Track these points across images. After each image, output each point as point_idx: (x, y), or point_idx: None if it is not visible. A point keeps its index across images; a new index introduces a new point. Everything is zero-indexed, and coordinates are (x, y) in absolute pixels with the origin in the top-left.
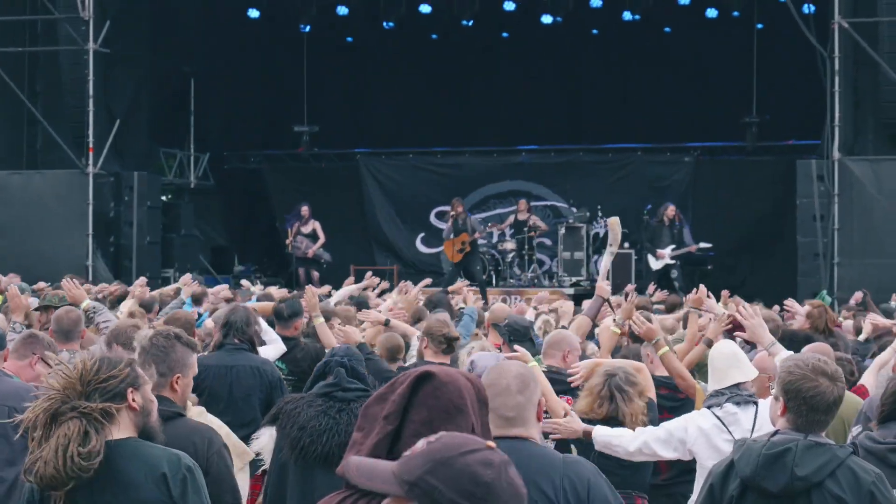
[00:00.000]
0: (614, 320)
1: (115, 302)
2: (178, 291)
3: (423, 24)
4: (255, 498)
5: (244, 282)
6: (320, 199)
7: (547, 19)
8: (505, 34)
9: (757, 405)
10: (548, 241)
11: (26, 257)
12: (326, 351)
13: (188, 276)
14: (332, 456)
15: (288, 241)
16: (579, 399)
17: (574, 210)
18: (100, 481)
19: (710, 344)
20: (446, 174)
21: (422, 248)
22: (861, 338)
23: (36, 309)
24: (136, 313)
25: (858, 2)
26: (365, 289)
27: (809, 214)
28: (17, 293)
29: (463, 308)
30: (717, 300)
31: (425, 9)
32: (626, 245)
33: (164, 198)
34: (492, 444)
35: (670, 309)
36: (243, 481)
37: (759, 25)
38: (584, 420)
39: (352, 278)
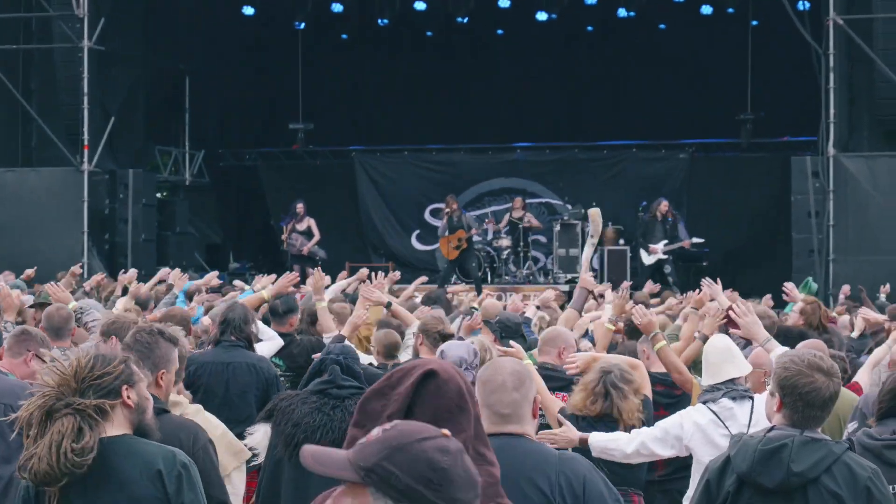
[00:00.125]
0: (609, 319)
1: (100, 292)
2: (169, 287)
3: (418, 22)
4: (250, 495)
5: (237, 282)
6: (315, 197)
7: (542, 16)
8: (500, 31)
9: (753, 400)
10: (543, 239)
11: (21, 255)
12: (324, 338)
13: (177, 270)
14: None
15: (283, 238)
16: (573, 394)
17: (569, 207)
18: (94, 478)
19: (705, 339)
20: (441, 171)
21: (417, 246)
22: (854, 334)
23: (31, 306)
24: (133, 311)
25: None
26: (361, 282)
27: (804, 211)
28: (8, 293)
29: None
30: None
31: (420, 6)
32: (622, 242)
33: (159, 195)
34: (447, 431)
35: (663, 301)
36: (240, 480)
37: (754, 22)
38: (577, 416)
39: (345, 272)
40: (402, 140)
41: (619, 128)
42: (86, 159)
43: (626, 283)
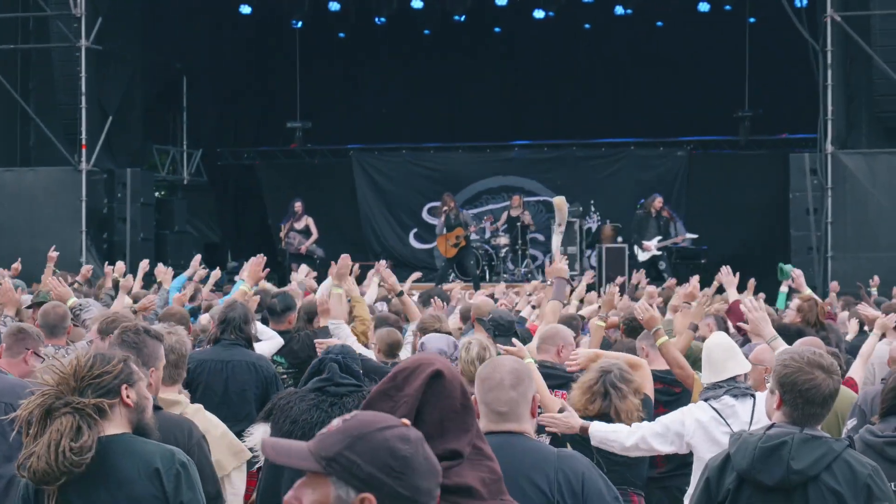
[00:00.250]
0: (599, 316)
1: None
2: (159, 285)
3: (416, 20)
4: (250, 494)
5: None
6: (313, 195)
7: (539, 14)
8: (497, 29)
9: (755, 398)
10: (541, 237)
11: (19, 255)
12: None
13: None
14: None
15: (281, 237)
16: (572, 393)
17: (567, 205)
18: (93, 476)
19: (695, 329)
20: (439, 170)
21: (415, 244)
22: (849, 337)
23: (28, 307)
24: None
25: None
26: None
27: (803, 208)
28: (9, 287)
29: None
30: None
31: (417, 4)
32: (620, 240)
33: (157, 194)
34: (406, 421)
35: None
36: (240, 480)
37: (752, 19)
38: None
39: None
40: (400, 138)
41: (617, 125)
42: (84, 159)
43: (621, 279)
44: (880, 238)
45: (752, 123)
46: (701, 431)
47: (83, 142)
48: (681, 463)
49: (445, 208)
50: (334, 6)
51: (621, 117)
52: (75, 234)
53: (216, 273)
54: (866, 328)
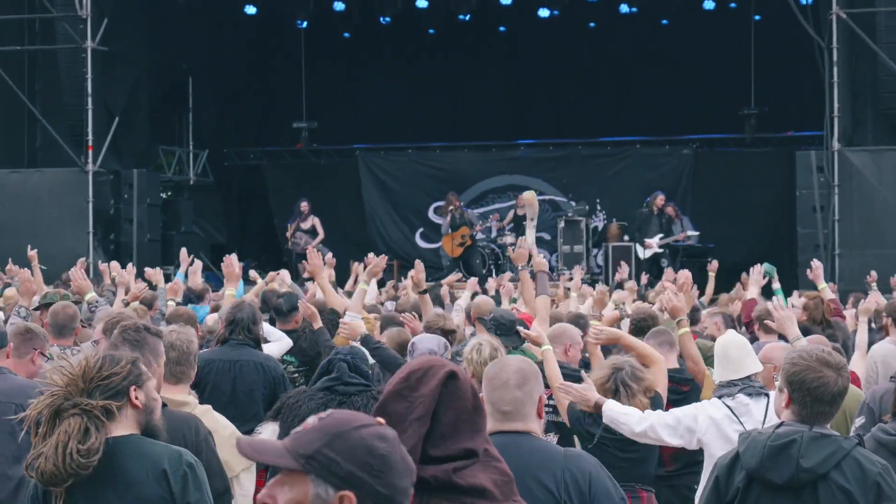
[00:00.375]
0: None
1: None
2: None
3: (420, 19)
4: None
5: (252, 272)
6: (319, 195)
7: (544, 13)
8: (502, 28)
9: (768, 397)
10: (547, 236)
11: (26, 256)
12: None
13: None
14: None
15: (287, 237)
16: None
17: (573, 204)
18: (100, 478)
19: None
20: (445, 169)
21: (421, 244)
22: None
23: (35, 308)
24: (139, 311)
25: None
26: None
27: (809, 206)
28: (29, 278)
29: None
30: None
31: (422, 4)
32: (626, 238)
33: (163, 195)
34: (382, 420)
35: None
36: (249, 481)
37: (757, 17)
38: (584, 412)
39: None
40: (405, 138)
41: (623, 124)
42: (90, 160)
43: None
44: (887, 235)
45: (758, 121)
46: (714, 429)
47: (89, 143)
48: (689, 461)
49: (451, 208)
50: (339, 6)
51: (626, 116)
52: (82, 235)
53: (198, 264)
54: (874, 325)
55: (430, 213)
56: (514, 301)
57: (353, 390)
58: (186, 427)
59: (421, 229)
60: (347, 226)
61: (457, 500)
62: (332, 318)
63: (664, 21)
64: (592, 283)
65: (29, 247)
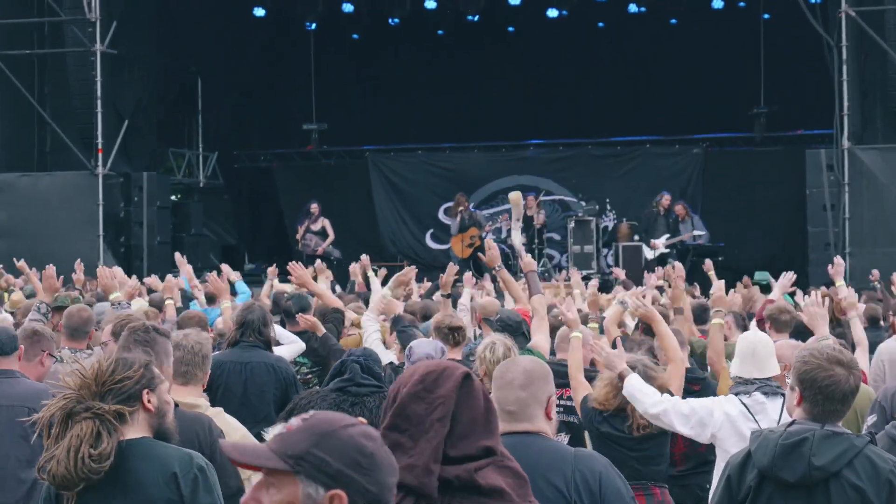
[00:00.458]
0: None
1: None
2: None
3: (429, 20)
4: None
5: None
6: (329, 197)
7: (553, 13)
8: (511, 28)
9: (784, 397)
10: (557, 236)
11: (37, 259)
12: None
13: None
14: None
15: (297, 238)
16: (596, 388)
17: (583, 204)
18: (112, 481)
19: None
20: (455, 170)
21: (431, 245)
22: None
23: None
24: (150, 313)
25: None
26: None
27: (819, 204)
28: (52, 274)
29: None
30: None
31: (430, 4)
32: (637, 238)
33: (173, 197)
34: (363, 419)
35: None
36: None
37: (766, 16)
38: (596, 409)
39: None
40: (415, 139)
41: (632, 124)
42: (100, 163)
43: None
44: None
45: (768, 120)
46: (728, 425)
47: (99, 146)
48: (701, 461)
49: (460, 209)
50: (348, 7)
51: (636, 115)
52: (92, 238)
53: (189, 268)
54: (882, 322)
55: (441, 214)
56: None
57: (365, 391)
58: (200, 426)
59: (431, 230)
60: (357, 227)
61: (476, 500)
62: (336, 316)
63: (673, 20)
64: (602, 284)
65: (14, 259)
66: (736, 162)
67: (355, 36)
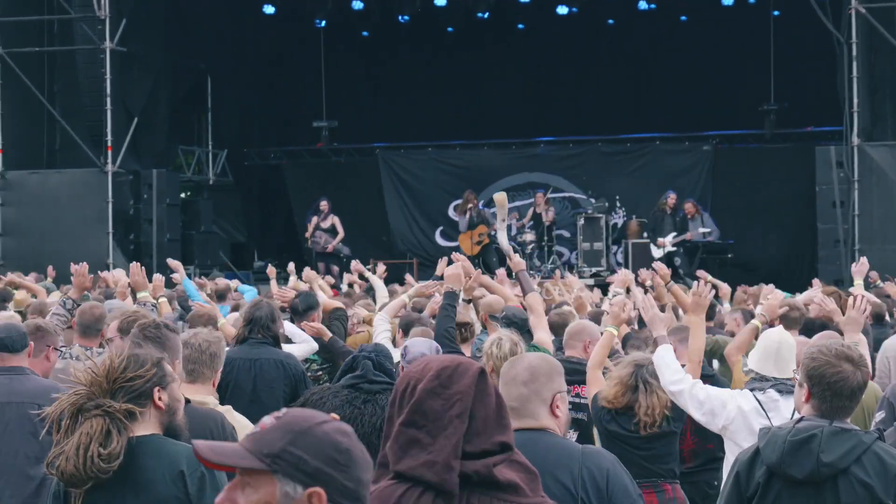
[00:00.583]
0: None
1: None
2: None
3: (439, 18)
4: None
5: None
6: (339, 195)
7: (562, 10)
8: (520, 26)
9: None
10: (566, 233)
11: (46, 256)
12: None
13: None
14: None
15: (307, 236)
16: (606, 386)
17: (593, 201)
18: (120, 478)
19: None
20: (465, 167)
21: (441, 242)
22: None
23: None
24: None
25: None
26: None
27: (829, 201)
28: (84, 272)
29: None
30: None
31: (440, 2)
32: (646, 235)
33: (182, 195)
34: (336, 416)
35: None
36: None
37: (776, 12)
38: (605, 408)
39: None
40: (425, 136)
41: (642, 121)
42: (109, 160)
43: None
44: None
45: (778, 117)
46: (741, 419)
47: (108, 143)
48: (710, 458)
49: (469, 206)
50: (357, 5)
51: (646, 112)
52: (102, 235)
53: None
54: (889, 319)
55: (451, 212)
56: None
57: (377, 388)
58: (213, 423)
59: (441, 227)
60: (367, 225)
61: (494, 495)
62: (339, 314)
63: (683, 17)
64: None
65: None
66: (746, 159)
67: (365, 33)
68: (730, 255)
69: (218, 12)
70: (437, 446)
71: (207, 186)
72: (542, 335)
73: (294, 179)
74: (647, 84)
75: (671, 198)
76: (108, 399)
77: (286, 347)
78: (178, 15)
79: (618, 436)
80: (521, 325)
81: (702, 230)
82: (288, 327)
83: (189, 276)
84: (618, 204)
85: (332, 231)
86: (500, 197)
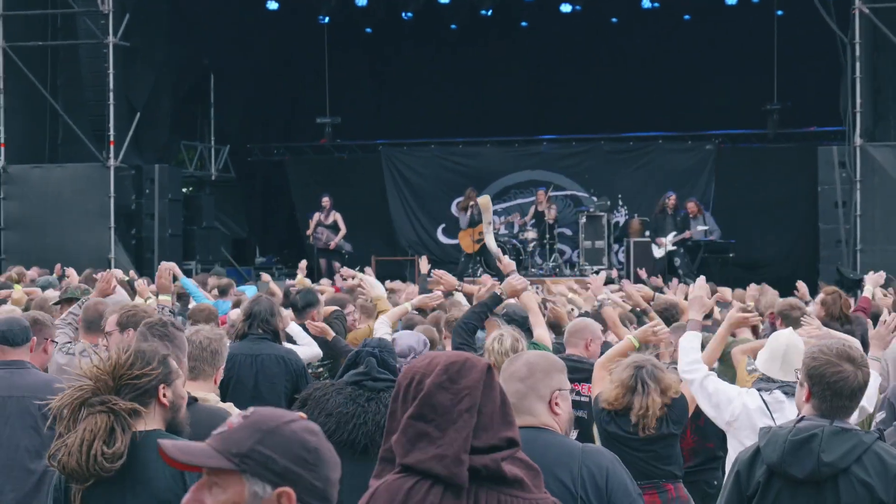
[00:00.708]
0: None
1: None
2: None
3: (442, 15)
4: None
5: (264, 275)
6: (342, 191)
7: (566, 8)
8: (524, 23)
9: None
10: (568, 231)
11: (48, 251)
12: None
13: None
14: (357, 443)
15: (308, 233)
16: (606, 387)
17: (595, 199)
18: (121, 472)
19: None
20: (467, 164)
21: (443, 239)
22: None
23: (56, 303)
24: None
25: None
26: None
27: (831, 201)
28: (111, 278)
29: None
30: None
31: None
32: (648, 234)
33: (185, 190)
34: (303, 414)
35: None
36: None
37: (779, 12)
38: (604, 409)
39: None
40: (428, 133)
41: (645, 119)
42: (112, 155)
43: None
44: None
45: (781, 116)
46: (746, 417)
47: (111, 138)
48: (709, 457)
49: (470, 203)
50: (361, 1)
51: (649, 111)
52: (103, 230)
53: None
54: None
55: (453, 209)
56: None
57: (381, 386)
58: (220, 420)
59: (443, 225)
60: (369, 221)
61: (501, 490)
62: (338, 314)
63: (686, 16)
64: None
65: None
66: (748, 158)
67: (368, 30)
68: (731, 255)
69: (221, 8)
70: (447, 440)
71: (209, 182)
72: (541, 332)
73: (296, 175)
74: (650, 83)
75: (671, 198)
76: (112, 396)
77: (291, 348)
78: (181, 10)
79: (617, 437)
80: (521, 323)
81: (700, 228)
82: (293, 329)
83: (189, 273)
84: (620, 202)
85: (334, 227)
86: (484, 200)
